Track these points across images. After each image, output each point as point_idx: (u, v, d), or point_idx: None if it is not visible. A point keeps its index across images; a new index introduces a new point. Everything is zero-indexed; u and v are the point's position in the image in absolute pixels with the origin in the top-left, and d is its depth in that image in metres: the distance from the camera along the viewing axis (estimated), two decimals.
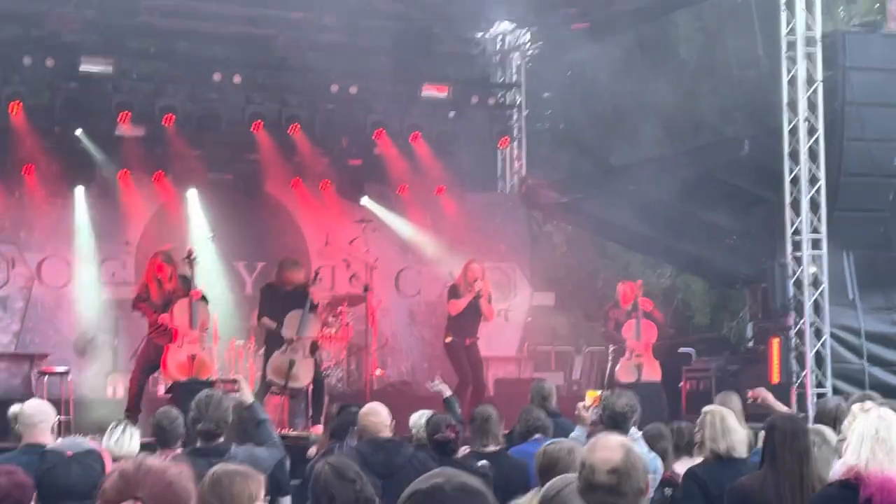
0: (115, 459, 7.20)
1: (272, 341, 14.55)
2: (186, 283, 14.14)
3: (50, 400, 11.58)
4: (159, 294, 13.98)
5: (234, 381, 7.62)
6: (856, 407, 5.65)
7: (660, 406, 14.55)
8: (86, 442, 6.28)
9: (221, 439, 6.99)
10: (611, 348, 16.34)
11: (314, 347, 14.75)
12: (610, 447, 4.14)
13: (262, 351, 15.01)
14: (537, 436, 8.58)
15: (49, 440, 6.76)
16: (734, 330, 24.13)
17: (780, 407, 10.00)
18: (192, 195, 17.79)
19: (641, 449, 7.89)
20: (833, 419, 8.00)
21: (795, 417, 6.76)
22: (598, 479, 4.04)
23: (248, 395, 7.66)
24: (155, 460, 3.37)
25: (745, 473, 6.88)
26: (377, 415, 8.20)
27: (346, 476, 5.54)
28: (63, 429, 13.88)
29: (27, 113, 16.62)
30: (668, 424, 8.97)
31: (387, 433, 8.12)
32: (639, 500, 4.06)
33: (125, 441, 7.53)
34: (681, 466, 8.32)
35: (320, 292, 14.87)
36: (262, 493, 4.40)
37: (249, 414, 7.63)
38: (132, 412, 13.50)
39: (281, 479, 7.87)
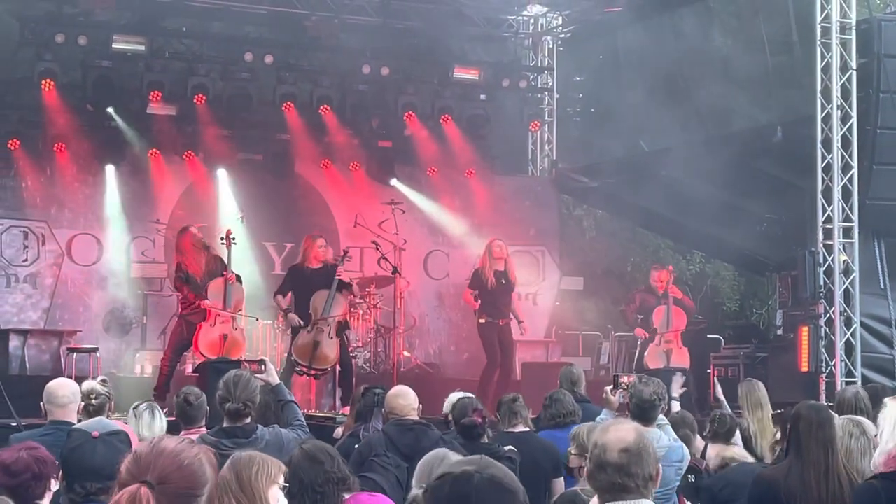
0: (140, 441, 7.25)
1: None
2: (221, 263, 14.15)
3: (78, 377, 11.69)
4: (198, 268, 13.93)
5: (261, 362, 7.60)
6: (889, 399, 5.56)
7: (686, 392, 14.47)
8: (113, 423, 6.29)
9: (248, 420, 7.00)
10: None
11: (343, 327, 14.65)
12: (624, 429, 4.15)
13: (289, 330, 15.00)
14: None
15: (75, 419, 6.78)
16: (763, 317, 24.05)
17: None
18: (222, 175, 17.84)
19: (669, 436, 7.88)
20: (853, 408, 7.94)
21: (821, 406, 6.66)
22: (608, 457, 4.03)
23: (274, 376, 7.65)
24: (172, 441, 3.35)
25: None
26: (405, 397, 8.19)
27: (317, 458, 5.55)
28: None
29: (59, 90, 16.68)
30: (698, 412, 8.97)
31: (413, 416, 8.11)
32: (647, 486, 4.04)
33: (151, 422, 7.55)
34: (713, 451, 8.33)
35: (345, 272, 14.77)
36: (282, 478, 4.39)
37: (275, 395, 7.63)
38: (161, 391, 13.54)
39: None
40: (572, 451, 7.23)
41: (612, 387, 8.60)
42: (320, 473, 5.51)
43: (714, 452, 8.38)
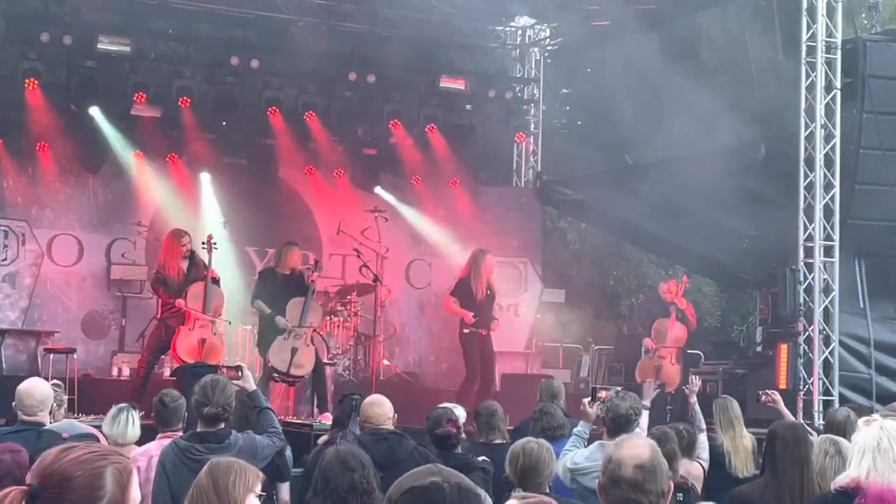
0: (116, 445, 7.21)
1: (267, 325, 14.47)
2: (203, 266, 14.12)
3: (55, 378, 11.62)
4: (177, 272, 13.93)
5: (238, 368, 7.56)
6: (861, 420, 5.60)
7: (662, 409, 14.45)
8: (83, 426, 6.25)
9: (223, 425, 6.96)
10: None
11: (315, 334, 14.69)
12: (639, 445, 4.18)
13: (256, 332, 14.97)
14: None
15: (46, 420, 6.74)
16: (744, 334, 24.09)
17: (788, 414, 9.97)
18: (206, 178, 17.79)
19: None
20: (843, 430, 7.94)
21: (797, 425, 6.70)
22: (623, 473, 4.05)
23: (250, 382, 7.61)
24: (80, 450, 3.25)
25: None
26: (380, 406, 8.19)
27: (348, 464, 5.57)
28: (67, 407, 13.91)
29: (43, 90, 16.64)
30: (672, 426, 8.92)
31: (389, 425, 8.11)
32: (660, 502, 4.06)
33: (126, 427, 7.53)
34: (681, 468, 8.31)
35: (319, 280, 14.77)
36: (259, 486, 4.37)
37: (251, 401, 7.59)
38: (137, 393, 13.47)
39: (281, 466, 7.85)
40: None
41: (589, 399, 8.58)
42: (347, 479, 5.54)
43: (681, 470, 8.37)
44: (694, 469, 8.48)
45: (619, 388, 8.50)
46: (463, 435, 8.26)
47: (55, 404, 7.55)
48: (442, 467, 3.40)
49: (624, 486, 4.03)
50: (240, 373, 7.49)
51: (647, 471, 4.04)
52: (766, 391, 10.38)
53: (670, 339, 16.06)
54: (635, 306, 17.46)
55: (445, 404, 8.85)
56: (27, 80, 16.45)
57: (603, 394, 8.36)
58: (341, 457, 5.65)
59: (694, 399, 10.04)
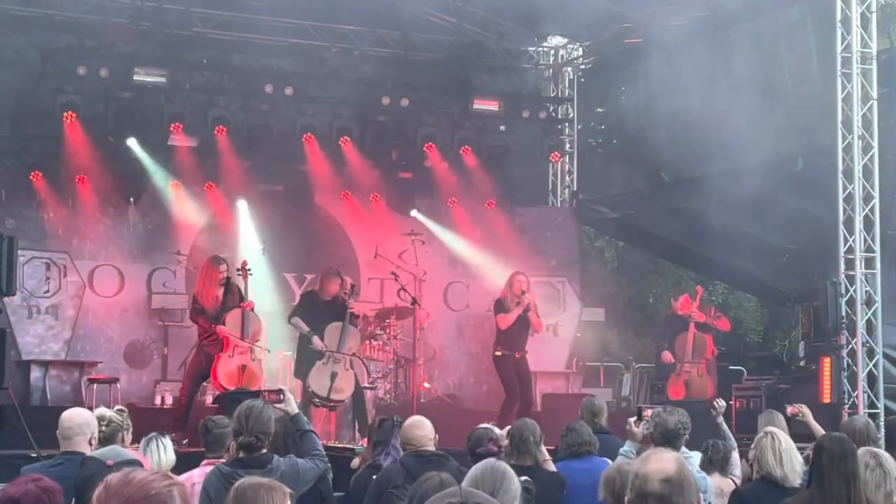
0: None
1: (303, 351, 14.55)
2: (239, 293, 14.21)
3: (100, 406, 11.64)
4: (213, 301, 14.02)
5: (279, 392, 7.57)
6: None
7: (703, 425, 14.35)
8: (127, 452, 6.26)
9: (264, 450, 6.97)
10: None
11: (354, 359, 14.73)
12: (665, 459, 4.13)
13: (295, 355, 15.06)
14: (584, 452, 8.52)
15: (88, 449, 6.77)
16: (786, 349, 23.92)
17: (818, 427, 9.88)
18: (243, 206, 17.86)
19: (693, 467, 7.82)
20: (864, 438, 7.89)
21: (844, 439, 6.63)
22: (650, 488, 4.01)
23: (292, 405, 7.62)
24: (143, 473, 3.33)
25: None
26: (421, 427, 8.17)
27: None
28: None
29: (81, 122, 16.79)
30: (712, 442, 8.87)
31: (430, 446, 8.09)
32: None
33: (158, 455, 7.55)
34: (714, 483, 8.28)
35: (357, 304, 14.83)
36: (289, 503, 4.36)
37: (294, 425, 7.60)
38: (180, 422, 13.53)
39: (324, 491, 7.86)
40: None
41: (635, 418, 8.54)
42: None
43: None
44: (726, 485, 8.43)
45: (667, 405, 8.46)
46: (503, 454, 8.22)
47: (125, 430, 7.62)
48: (465, 488, 3.39)
49: (651, 500, 3.99)
50: (281, 396, 7.49)
51: (673, 484, 4.00)
52: (795, 404, 10.27)
53: (689, 352, 16.11)
54: (659, 326, 17.40)
55: (485, 424, 8.82)
56: (65, 114, 16.61)
57: (648, 413, 8.32)
58: (446, 485, 5.63)
59: (720, 420, 9.96)
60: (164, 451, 7.61)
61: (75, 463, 5.45)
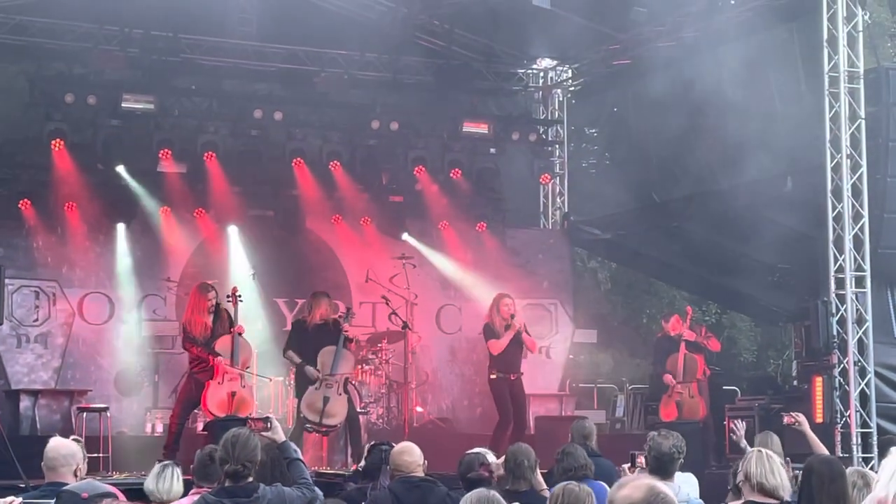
0: (162, 503, 7.21)
1: (300, 376, 14.52)
2: (229, 319, 14.19)
3: (88, 437, 11.58)
4: (202, 328, 14.00)
5: (266, 420, 7.51)
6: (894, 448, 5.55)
7: (696, 446, 14.33)
8: (103, 485, 6.23)
9: (250, 479, 6.91)
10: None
11: (347, 383, 14.69)
12: (634, 486, 4.10)
13: (293, 382, 15.01)
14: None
15: (73, 480, 6.73)
16: (780, 368, 23.91)
17: (813, 436, 9.85)
18: (233, 231, 17.85)
19: (693, 491, 7.79)
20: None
21: (834, 460, 6.63)
22: None
23: (279, 433, 7.56)
24: None
25: None
26: (410, 453, 8.15)
27: None
28: (101, 466, 13.92)
29: (70, 150, 16.78)
30: (715, 462, 8.83)
31: (419, 472, 8.07)
32: None
33: (171, 483, 7.51)
34: None
35: (350, 329, 14.79)
36: None
37: (281, 453, 7.54)
38: (171, 450, 13.47)
39: None
40: None
41: (629, 465, 8.49)
42: None
43: None
44: None
45: (661, 428, 8.39)
46: (495, 480, 8.18)
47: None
48: None
49: None
50: (269, 424, 7.43)
51: None
52: (791, 413, 10.25)
53: (680, 372, 16.11)
54: (653, 348, 17.41)
55: (477, 449, 8.78)
56: (53, 142, 16.61)
57: (641, 460, 8.24)
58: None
59: (744, 444, 9.91)
60: (175, 480, 7.56)
61: (52, 495, 5.43)
